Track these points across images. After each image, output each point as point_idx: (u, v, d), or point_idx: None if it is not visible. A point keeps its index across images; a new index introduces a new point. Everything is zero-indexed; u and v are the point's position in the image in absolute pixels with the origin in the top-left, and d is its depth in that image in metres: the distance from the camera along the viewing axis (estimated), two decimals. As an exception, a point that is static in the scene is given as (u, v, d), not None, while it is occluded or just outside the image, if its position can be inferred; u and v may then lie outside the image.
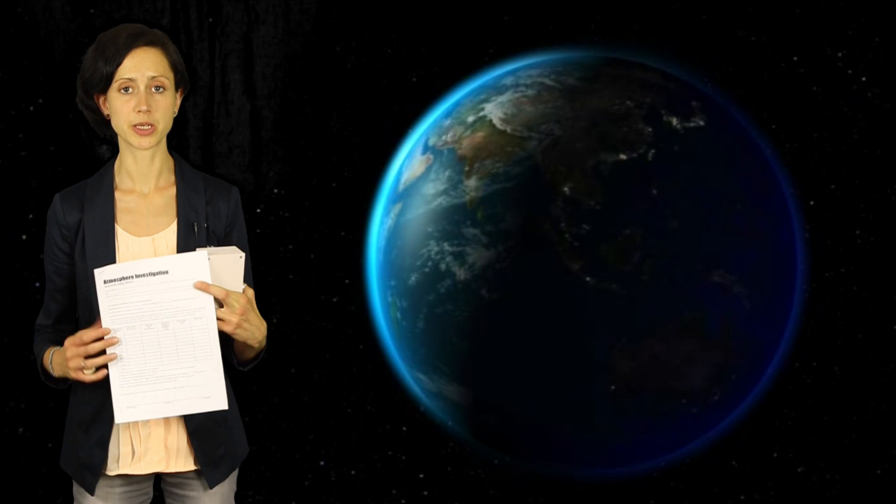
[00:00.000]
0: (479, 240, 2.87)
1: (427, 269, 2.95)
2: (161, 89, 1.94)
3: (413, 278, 3.02)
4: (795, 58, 3.27)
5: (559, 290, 2.89)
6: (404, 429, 3.41)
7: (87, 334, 1.88)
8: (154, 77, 1.92)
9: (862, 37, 3.24)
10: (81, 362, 1.88)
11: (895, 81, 3.25)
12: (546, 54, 3.27)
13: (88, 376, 1.90)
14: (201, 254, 1.87)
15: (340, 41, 3.30)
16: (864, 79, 3.26)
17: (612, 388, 2.91)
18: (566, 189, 2.80)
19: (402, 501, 3.43)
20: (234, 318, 1.89)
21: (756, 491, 3.39)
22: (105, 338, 1.88)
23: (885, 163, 3.28)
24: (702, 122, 3.00)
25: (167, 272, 1.86)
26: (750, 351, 3.12)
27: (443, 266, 2.91)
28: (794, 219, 3.24)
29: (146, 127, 1.93)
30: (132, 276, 1.86)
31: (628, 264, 2.82)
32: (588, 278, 2.81)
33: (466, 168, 2.96)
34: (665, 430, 3.12)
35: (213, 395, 1.90)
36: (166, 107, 1.95)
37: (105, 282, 1.87)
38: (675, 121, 2.96)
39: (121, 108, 1.93)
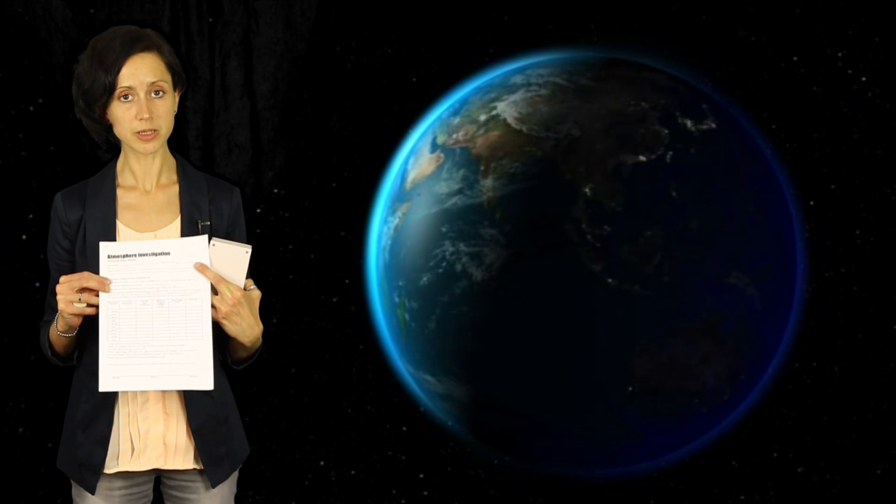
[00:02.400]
0: (498, 240, 2.84)
1: (441, 270, 2.92)
2: (160, 93, 1.96)
3: (425, 279, 2.98)
4: (795, 58, 3.27)
5: (580, 291, 2.88)
6: (404, 429, 3.41)
7: (87, 274, 1.91)
8: (153, 83, 1.94)
9: (862, 37, 3.25)
10: (73, 296, 1.90)
11: (895, 81, 3.25)
12: (546, 54, 3.27)
13: (75, 307, 1.90)
14: (202, 238, 1.92)
15: (340, 41, 3.30)
16: (864, 79, 3.26)
17: (630, 389, 2.90)
18: (587, 190, 2.78)
19: (402, 501, 3.43)
20: (224, 308, 1.92)
21: (756, 491, 3.39)
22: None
23: (885, 163, 3.29)
24: (713, 125, 3.00)
25: (169, 253, 1.92)
26: (757, 351, 3.12)
27: (458, 267, 2.87)
28: (795, 219, 3.24)
29: (149, 133, 1.95)
30: (135, 255, 1.92)
31: (650, 266, 2.81)
32: (610, 280, 2.79)
33: (482, 168, 2.92)
34: (674, 429, 3.12)
35: (199, 375, 1.92)
36: (167, 110, 1.98)
37: (109, 256, 1.92)
38: (689, 123, 2.95)
39: (122, 116, 1.95)
